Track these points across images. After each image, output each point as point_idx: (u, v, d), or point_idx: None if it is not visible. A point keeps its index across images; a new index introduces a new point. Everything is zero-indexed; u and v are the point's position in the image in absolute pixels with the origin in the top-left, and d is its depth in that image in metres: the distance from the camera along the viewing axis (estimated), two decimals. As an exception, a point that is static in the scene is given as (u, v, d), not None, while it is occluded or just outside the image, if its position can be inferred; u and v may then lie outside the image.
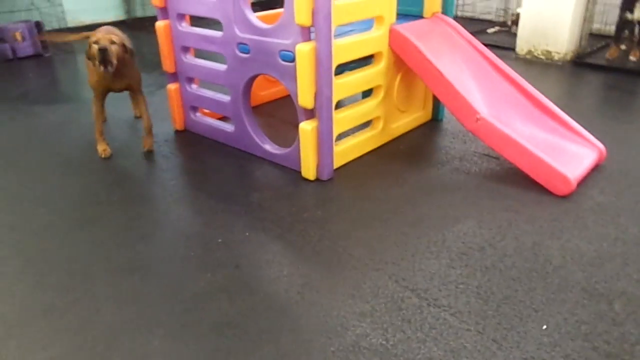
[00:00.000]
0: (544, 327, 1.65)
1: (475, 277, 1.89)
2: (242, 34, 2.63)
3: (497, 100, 2.79)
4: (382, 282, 1.88)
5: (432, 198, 2.45)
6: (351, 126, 2.77)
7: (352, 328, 1.68)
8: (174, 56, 3.09)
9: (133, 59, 2.84)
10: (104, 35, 2.65)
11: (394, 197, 2.48)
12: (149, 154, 2.96)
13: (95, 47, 2.61)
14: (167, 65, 3.11)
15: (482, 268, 1.94)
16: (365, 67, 2.76)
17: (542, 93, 2.93)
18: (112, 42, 2.64)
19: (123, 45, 2.70)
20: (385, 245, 2.11)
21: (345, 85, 2.59)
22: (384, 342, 1.62)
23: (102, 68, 2.62)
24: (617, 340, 1.59)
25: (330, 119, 2.52)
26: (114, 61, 2.63)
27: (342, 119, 2.65)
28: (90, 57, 2.70)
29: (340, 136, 2.75)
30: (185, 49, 3.04)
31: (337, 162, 2.72)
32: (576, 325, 1.66)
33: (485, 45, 3.11)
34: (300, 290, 1.86)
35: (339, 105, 2.82)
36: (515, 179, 2.55)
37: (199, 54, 3.12)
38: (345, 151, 2.77)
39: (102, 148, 2.96)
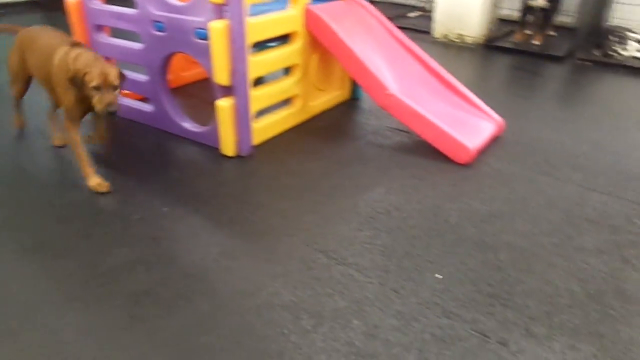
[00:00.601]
0: (439, 276, 1.83)
1: (380, 238, 2.05)
2: (157, 12, 2.62)
3: (406, 78, 2.97)
4: (295, 247, 2.00)
5: (347, 170, 2.59)
6: (269, 104, 2.85)
7: (265, 288, 1.78)
8: (88, 35, 3.02)
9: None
10: (100, 72, 2.11)
11: (311, 170, 2.59)
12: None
13: (99, 102, 2.13)
14: (81, 44, 3.04)
15: (387, 229, 2.10)
16: (281, 46, 2.85)
17: (455, 73, 3.15)
18: (115, 87, 2.16)
19: (121, 75, 2.24)
20: (300, 214, 2.22)
21: (261, 63, 2.66)
22: (294, 299, 1.73)
23: (101, 113, 2.17)
24: (499, 283, 1.80)
25: (247, 96, 2.59)
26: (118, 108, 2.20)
27: (259, 97, 2.72)
28: (76, 84, 2.17)
29: (261, 113, 2.83)
30: (99, 28, 2.99)
31: (257, 139, 2.80)
32: (465, 272, 1.85)
33: (405, 28, 3.29)
34: (217, 258, 1.94)
35: (260, 82, 2.89)
36: (423, 150, 2.74)
37: (115, 32, 3.07)
38: (264, 128, 2.85)
39: (96, 182, 2.36)
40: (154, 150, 2.78)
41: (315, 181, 2.49)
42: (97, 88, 2.13)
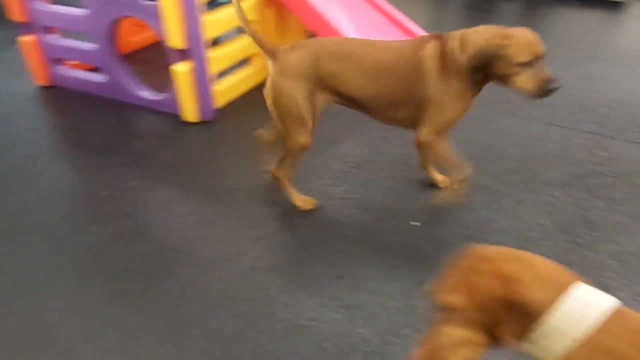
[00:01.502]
0: (417, 223, 1.88)
1: (356, 192, 2.07)
2: (96, -26, 2.45)
3: (366, 28, 2.91)
4: (274, 209, 1.99)
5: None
6: (229, 64, 2.76)
7: (247, 252, 1.78)
8: (23, 3, 2.80)
9: None
10: (527, 41, 1.57)
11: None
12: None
13: (530, 81, 1.58)
14: (17, 14, 2.82)
15: (361, 183, 2.12)
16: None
17: (411, 18, 3.10)
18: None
19: None
20: (273, 174, 2.20)
21: (216, 22, 2.55)
22: (276, 260, 1.75)
23: (533, 95, 1.61)
24: (473, 224, 1.86)
25: (204, 58, 2.49)
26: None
27: (218, 58, 2.63)
28: (490, 65, 1.58)
29: (221, 75, 2.74)
30: (36, -5, 2.78)
31: (220, 102, 2.72)
32: (441, 217, 1.90)
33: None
34: (193, 227, 1.91)
35: (216, 43, 2.78)
36: (388, 100, 2.73)
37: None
38: (226, 90, 2.77)
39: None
40: (111, 123, 2.67)
41: (283, 140, 2.46)
42: (526, 64, 1.56)
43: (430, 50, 1.66)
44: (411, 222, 1.88)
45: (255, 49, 2.88)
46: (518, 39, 1.56)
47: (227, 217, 1.96)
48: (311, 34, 3.35)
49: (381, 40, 1.75)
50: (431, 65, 1.65)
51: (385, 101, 1.74)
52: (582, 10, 4.17)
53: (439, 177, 2.06)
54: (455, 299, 0.84)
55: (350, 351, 1.43)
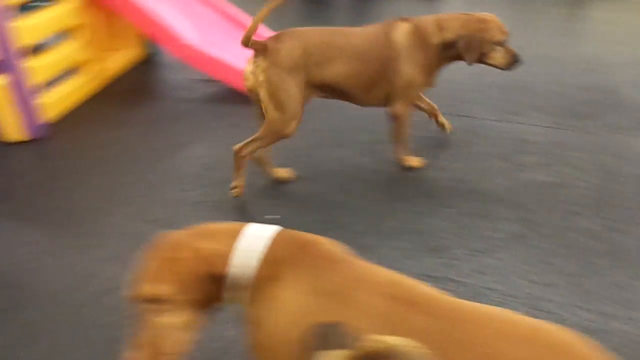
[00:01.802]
0: (277, 216, 1.90)
1: (211, 195, 2.03)
2: None
3: (202, 26, 2.86)
4: (122, 224, 1.87)
5: (160, 130, 2.47)
6: (56, 73, 2.52)
7: (98, 275, 1.65)
8: None
9: None
10: (497, 24, 1.92)
11: (121, 138, 2.40)
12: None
13: (505, 56, 1.95)
14: None
15: (215, 184, 2.09)
16: (56, 5, 2.48)
17: (252, 14, 3.11)
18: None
19: None
20: (121, 187, 2.07)
21: (32, 27, 2.30)
22: (129, 280, 1.64)
23: (505, 68, 1.97)
24: (326, 209, 1.94)
25: (23, 68, 2.23)
26: None
27: (41, 67, 2.38)
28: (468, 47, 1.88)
29: (50, 85, 2.49)
30: None
31: (51, 115, 2.47)
32: (297, 207, 1.96)
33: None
34: (33, 258, 1.72)
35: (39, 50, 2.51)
36: (233, 97, 2.72)
37: None
38: (57, 101, 2.52)
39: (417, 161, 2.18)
40: None
41: (129, 149, 2.32)
42: (499, 42, 1.91)
43: (400, 31, 1.89)
44: (267, 216, 1.90)
45: (85, 55, 2.67)
46: (492, 22, 1.90)
47: (71, 241, 1.79)
48: (147, 37, 3.20)
49: (358, 28, 1.92)
50: (403, 43, 1.88)
51: (363, 83, 1.91)
52: (404, 1, 4.56)
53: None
54: (162, 288, 0.91)
55: (221, 355, 1.40)
